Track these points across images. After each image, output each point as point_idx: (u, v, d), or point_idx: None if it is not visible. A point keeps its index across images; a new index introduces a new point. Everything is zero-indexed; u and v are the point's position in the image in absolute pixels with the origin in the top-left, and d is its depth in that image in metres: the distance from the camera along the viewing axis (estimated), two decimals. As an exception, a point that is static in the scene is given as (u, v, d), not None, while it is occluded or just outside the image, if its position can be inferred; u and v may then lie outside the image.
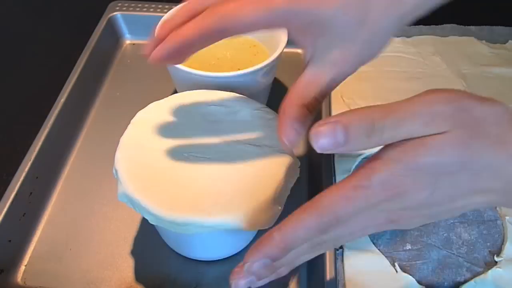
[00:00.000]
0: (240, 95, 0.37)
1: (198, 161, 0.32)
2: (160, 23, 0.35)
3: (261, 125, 0.34)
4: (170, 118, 0.35)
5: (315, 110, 0.30)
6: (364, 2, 0.27)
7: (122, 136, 0.34)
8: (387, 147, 0.24)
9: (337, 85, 0.30)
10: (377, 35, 0.29)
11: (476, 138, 0.23)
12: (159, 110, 0.35)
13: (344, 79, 0.30)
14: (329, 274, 0.34)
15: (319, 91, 0.29)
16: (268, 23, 0.27)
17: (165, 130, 0.34)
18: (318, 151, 0.23)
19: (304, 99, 0.29)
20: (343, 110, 0.30)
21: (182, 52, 0.29)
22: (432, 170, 0.23)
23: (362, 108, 0.24)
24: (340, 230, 0.25)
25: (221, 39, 0.28)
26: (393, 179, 0.23)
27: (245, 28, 0.27)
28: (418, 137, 0.23)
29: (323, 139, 0.23)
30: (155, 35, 0.30)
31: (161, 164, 0.32)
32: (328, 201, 0.24)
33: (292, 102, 0.29)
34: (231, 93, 0.37)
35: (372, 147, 0.24)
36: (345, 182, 0.24)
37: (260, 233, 0.31)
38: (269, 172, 0.32)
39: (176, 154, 0.32)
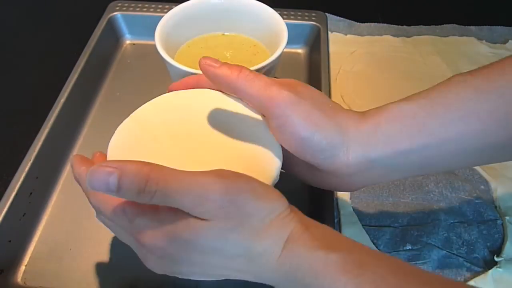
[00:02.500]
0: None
1: (192, 159, 0.32)
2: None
3: (259, 123, 0.34)
4: (161, 117, 0.34)
5: None
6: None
7: (116, 133, 0.34)
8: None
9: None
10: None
11: (237, 230, 0.25)
12: (150, 110, 0.35)
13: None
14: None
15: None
16: None
17: (157, 129, 0.34)
18: (89, 189, 0.25)
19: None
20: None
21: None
22: (186, 246, 0.26)
23: (143, 163, 0.25)
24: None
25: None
26: (155, 236, 0.27)
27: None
28: (186, 212, 0.25)
29: (96, 182, 0.25)
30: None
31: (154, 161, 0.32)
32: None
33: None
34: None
35: (144, 203, 0.26)
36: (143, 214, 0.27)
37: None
38: (263, 169, 0.32)
39: (169, 152, 0.32)
